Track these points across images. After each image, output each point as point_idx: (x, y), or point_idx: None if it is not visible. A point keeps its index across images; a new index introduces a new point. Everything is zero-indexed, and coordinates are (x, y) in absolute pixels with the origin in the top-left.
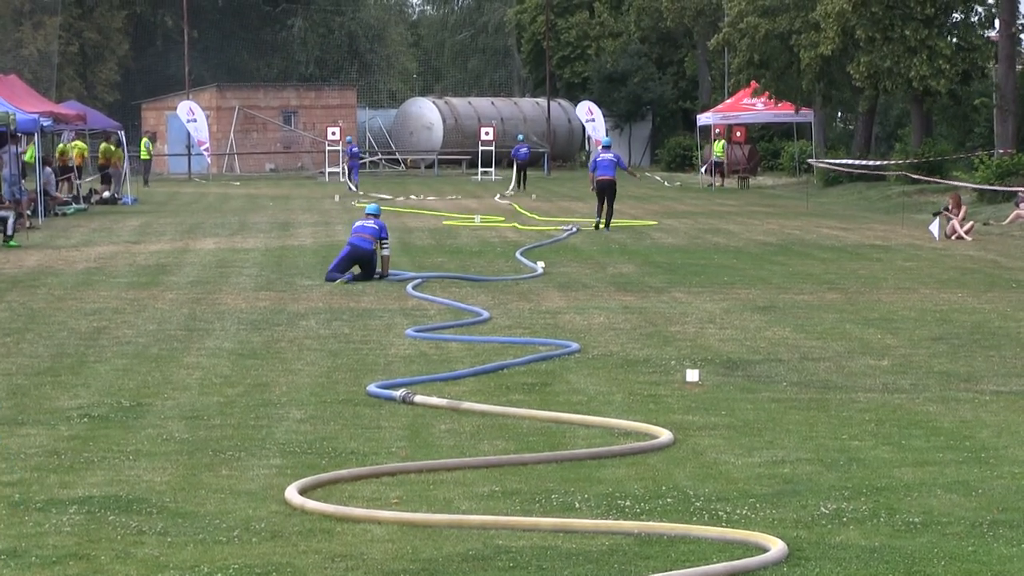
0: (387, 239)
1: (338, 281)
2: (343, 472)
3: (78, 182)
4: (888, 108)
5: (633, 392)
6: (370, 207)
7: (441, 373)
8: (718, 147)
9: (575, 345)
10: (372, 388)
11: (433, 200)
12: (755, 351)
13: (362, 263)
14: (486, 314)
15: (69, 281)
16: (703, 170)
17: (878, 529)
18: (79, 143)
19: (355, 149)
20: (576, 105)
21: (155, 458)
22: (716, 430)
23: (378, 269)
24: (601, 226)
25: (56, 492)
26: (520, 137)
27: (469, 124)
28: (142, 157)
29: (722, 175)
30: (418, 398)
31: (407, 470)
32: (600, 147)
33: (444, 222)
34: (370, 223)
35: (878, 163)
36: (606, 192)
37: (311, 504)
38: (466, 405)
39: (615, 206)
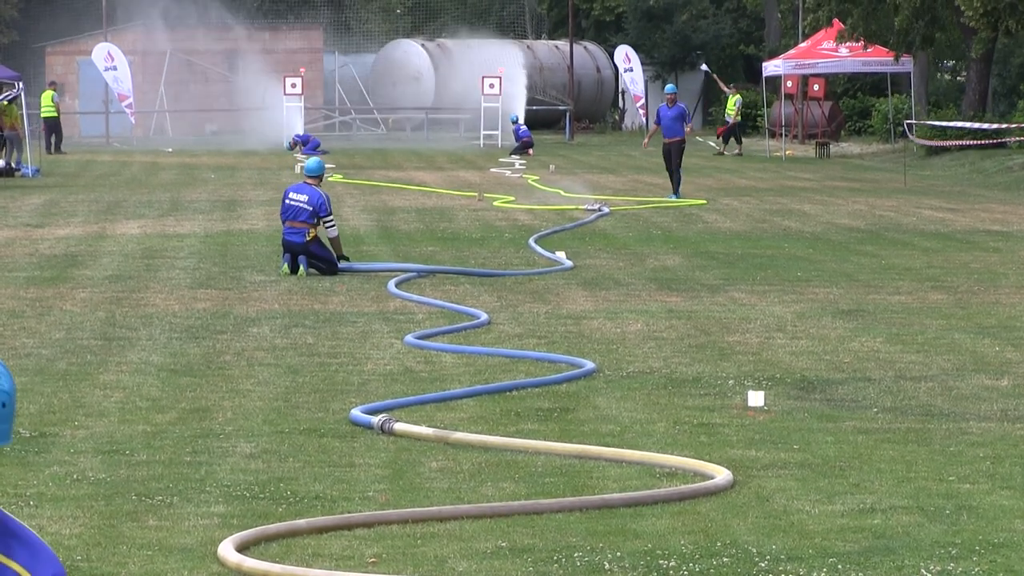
0: (330, 215)
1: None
2: (300, 522)
3: None
4: (1009, 55)
5: (679, 420)
6: (310, 164)
7: (431, 393)
8: (731, 103)
9: (591, 364)
10: (356, 413)
11: (422, 174)
12: (837, 368)
13: (309, 256)
14: (484, 316)
15: None
16: (715, 139)
17: None
18: None
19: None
20: (604, 48)
21: (63, 504)
22: (786, 469)
23: (342, 259)
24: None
25: None
26: (513, 118)
27: (469, 73)
28: (43, 115)
29: (726, 140)
30: (399, 426)
31: (387, 520)
32: (665, 97)
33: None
34: (302, 198)
35: (996, 127)
36: (672, 153)
37: (251, 564)
38: (458, 435)
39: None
